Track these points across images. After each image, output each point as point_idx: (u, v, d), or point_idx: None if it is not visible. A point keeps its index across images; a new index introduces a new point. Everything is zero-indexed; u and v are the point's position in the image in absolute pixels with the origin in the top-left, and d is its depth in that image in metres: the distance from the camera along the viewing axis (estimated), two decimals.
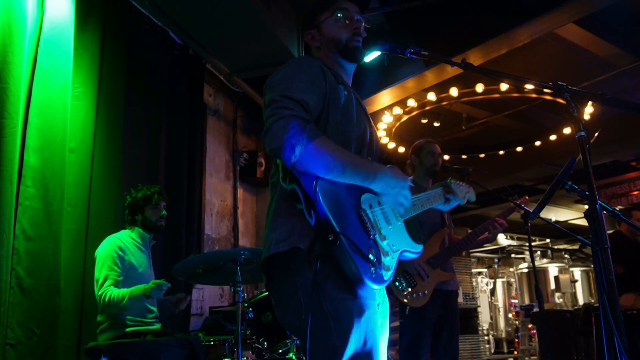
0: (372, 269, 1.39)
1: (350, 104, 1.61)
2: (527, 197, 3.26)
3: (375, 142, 1.69)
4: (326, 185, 1.42)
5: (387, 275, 1.47)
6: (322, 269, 1.39)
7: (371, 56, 5.25)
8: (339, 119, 1.57)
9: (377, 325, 1.45)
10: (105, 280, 2.88)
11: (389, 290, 3.13)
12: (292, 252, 1.43)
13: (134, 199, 3.20)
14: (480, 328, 8.44)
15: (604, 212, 1.72)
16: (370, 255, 1.41)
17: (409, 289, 3.08)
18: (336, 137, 1.54)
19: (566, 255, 14.43)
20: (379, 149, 1.71)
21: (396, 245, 1.57)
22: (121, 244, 3.03)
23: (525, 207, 2.94)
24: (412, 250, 1.65)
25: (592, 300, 11.32)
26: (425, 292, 3.09)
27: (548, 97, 6.28)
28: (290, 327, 1.48)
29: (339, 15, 1.73)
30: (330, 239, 1.34)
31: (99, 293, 2.85)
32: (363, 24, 1.77)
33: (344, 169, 1.44)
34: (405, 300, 3.07)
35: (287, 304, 1.46)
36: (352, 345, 1.37)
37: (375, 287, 1.42)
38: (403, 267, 3.12)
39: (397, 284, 3.09)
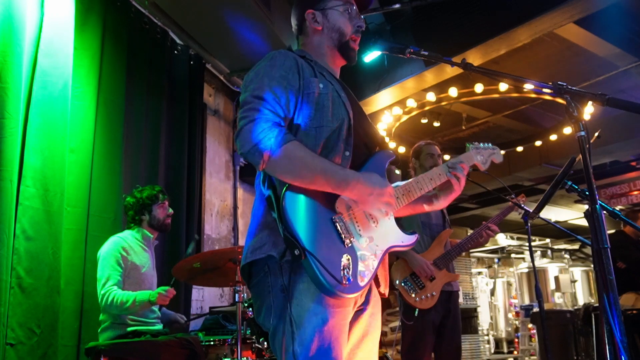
0: (341, 282, 1.36)
1: (325, 97, 1.55)
2: (523, 195, 3.27)
3: (361, 134, 1.60)
4: (296, 194, 1.41)
5: (364, 282, 1.43)
6: (292, 276, 1.41)
7: (371, 56, 5.26)
8: (312, 113, 1.52)
9: (344, 333, 1.43)
10: (107, 280, 2.87)
11: (397, 291, 3.13)
12: (267, 258, 1.45)
13: (139, 199, 3.19)
14: (480, 328, 8.44)
15: (604, 212, 1.72)
16: (342, 266, 1.38)
17: (418, 291, 3.09)
18: (309, 132, 1.50)
19: (566, 255, 14.45)
20: (364, 140, 1.62)
21: (382, 244, 1.52)
22: (125, 244, 3.03)
23: (524, 207, 2.94)
24: (403, 243, 1.59)
25: (592, 300, 11.32)
26: (433, 293, 3.10)
27: (548, 97, 6.28)
28: (262, 326, 1.49)
29: (348, 6, 1.70)
30: (296, 253, 1.34)
31: (102, 292, 2.85)
32: (364, 24, 1.74)
33: (313, 176, 1.40)
34: (414, 302, 3.07)
35: (261, 303, 1.48)
36: (312, 353, 1.36)
37: (349, 296, 1.40)
38: (410, 269, 3.13)
39: (405, 286, 3.10)
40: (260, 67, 1.54)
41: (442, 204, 1.76)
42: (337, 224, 1.44)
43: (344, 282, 1.37)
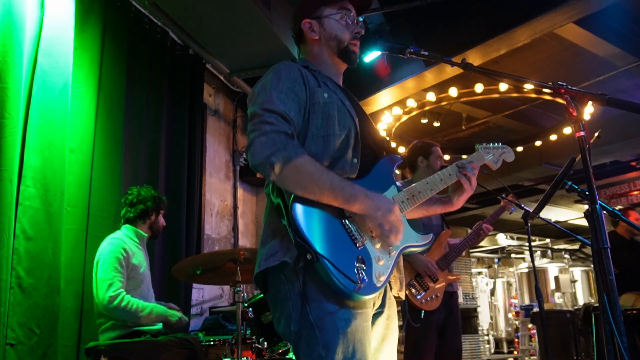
0: (357, 283, 1.36)
1: (331, 106, 1.57)
2: (512, 196, 3.28)
3: (368, 140, 1.63)
4: (305, 200, 1.41)
5: (381, 281, 1.44)
6: (308, 281, 1.41)
7: (371, 56, 5.26)
8: (319, 122, 1.54)
9: (367, 334, 1.44)
10: (113, 282, 2.85)
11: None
12: (282, 265, 1.44)
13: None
14: (480, 328, 8.44)
15: (604, 212, 1.72)
16: (356, 268, 1.39)
17: (423, 293, 3.10)
18: (317, 141, 1.52)
19: (566, 255, 14.44)
20: (370, 146, 1.64)
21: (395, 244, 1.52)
22: (125, 245, 3.02)
23: (524, 207, 2.94)
24: (418, 243, 1.60)
25: (592, 300, 11.31)
26: (438, 294, 3.12)
27: (548, 97, 6.28)
28: (283, 335, 1.49)
29: (344, 13, 1.70)
30: (309, 257, 1.34)
31: (110, 294, 2.81)
32: (363, 29, 1.74)
33: (322, 192, 1.41)
34: (420, 305, 3.08)
35: (280, 312, 1.48)
36: (338, 356, 1.36)
37: (365, 297, 1.40)
38: (414, 272, 3.13)
39: (410, 288, 3.11)
40: (267, 80, 1.55)
41: (455, 205, 1.75)
42: (348, 227, 1.45)
43: (359, 282, 1.37)
